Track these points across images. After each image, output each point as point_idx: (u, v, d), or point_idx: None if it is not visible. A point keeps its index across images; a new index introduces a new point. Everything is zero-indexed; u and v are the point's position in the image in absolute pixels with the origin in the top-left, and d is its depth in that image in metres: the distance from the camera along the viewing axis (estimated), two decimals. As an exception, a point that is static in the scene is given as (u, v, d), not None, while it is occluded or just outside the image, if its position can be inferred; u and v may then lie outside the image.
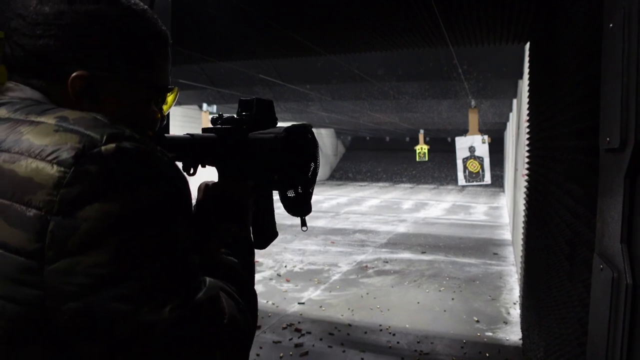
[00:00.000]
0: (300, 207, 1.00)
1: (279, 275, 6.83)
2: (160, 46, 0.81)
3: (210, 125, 1.01)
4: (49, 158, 0.61)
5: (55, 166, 0.60)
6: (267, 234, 1.07)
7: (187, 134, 0.93)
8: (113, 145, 0.62)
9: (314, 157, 1.00)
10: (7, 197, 0.61)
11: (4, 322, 0.61)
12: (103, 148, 0.62)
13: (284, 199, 0.99)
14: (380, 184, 24.66)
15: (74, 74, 0.72)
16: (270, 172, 0.97)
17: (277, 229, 1.11)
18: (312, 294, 6.00)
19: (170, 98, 0.86)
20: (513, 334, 4.63)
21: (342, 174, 27.78)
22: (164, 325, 0.62)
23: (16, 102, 0.72)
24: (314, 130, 1.02)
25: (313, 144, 0.99)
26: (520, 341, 4.26)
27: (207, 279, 0.71)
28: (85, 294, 0.60)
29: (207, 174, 0.91)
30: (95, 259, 0.59)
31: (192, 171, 0.92)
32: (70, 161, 0.60)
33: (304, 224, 1.04)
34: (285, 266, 7.30)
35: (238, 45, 4.53)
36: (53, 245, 0.59)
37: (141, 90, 0.80)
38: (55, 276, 0.60)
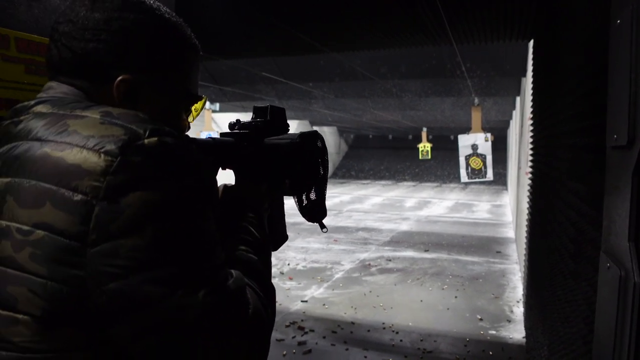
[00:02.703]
0: (316, 212, 1.06)
1: (282, 273, 6.83)
2: (193, 57, 0.88)
3: (228, 129, 1.06)
4: (96, 148, 0.65)
5: (102, 155, 0.65)
6: (278, 237, 1.11)
7: (209, 137, 0.97)
8: (155, 139, 0.67)
9: (324, 163, 1.05)
10: (53, 182, 0.65)
11: (45, 302, 0.64)
12: (146, 141, 0.66)
13: (300, 206, 1.05)
14: (383, 182, 24.65)
15: (120, 77, 0.78)
16: (284, 176, 1.02)
17: None
18: (315, 292, 6.00)
19: (198, 106, 0.93)
20: (516, 333, 4.62)
21: (345, 172, 27.77)
22: (197, 309, 0.65)
23: (57, 99, 0.76)
24: (316, 128, 1.04)
25: (323, 150, 1.05)
26: (524, 340, 4.25)
27: (233, 271, 0.75)
28: (125, 275, 0.63)
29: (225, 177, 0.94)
30: (135, 243, 0.63)
31: None
32: (117, 151, 0.65)
33: (322, 226, 1.10)
34: (288, 264, 7.31)
35: (240, 43, 4.52)
36: (97, 228, 0.63)
37: (175, 96, 0.86)
38: (97, 258, 0.63)
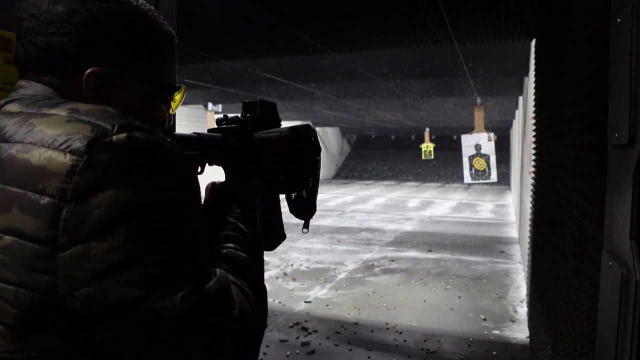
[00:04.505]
0: (305, 208, 1.02)
1: (285, 274, 6.83)
2: (167, 45, 0.84)
3: (216, 126, 1.03)
4: (62, 147, 0.62)
5: (68, 155, 0.62)
6: (275, 235, 1.08)
7: (194, 133, 0.94)
8: (124, 134, 0.64)
9: (316, 161, 1.01)
10: (20, 185, 0.63)
11: (17, 309, 0.62)
12: (114, 137, 0.63)
13: (289, 201, 1.01)
14: (386, 183, 24.63)
15: (89, 70, 0.75)
16: (276, 171, 0.98)
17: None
18: (319, 292, 6.00)
19: (178, 96, 0.89)
20: (520, 332, 4.61)
21: (348, 173, 27.76)
22: (176, 312, 0.62)
23: (27, 97, 0.74)
24: (319, 129, 1.03)
25: (316, 145, 1.00)
26: (528, 339, 4.24)
27: (218, 270, 0.72)
28: (98, 279, 0.61)
29: (213, 175, 0.92)
30: (107, 245, 0.61)
31: (199, 169, 0.93)
32: (83, 150, 0.62)
33: (305, 226, 1.05)
34: (292, 265, 7.31)
35: (242, 44, 4.52)
36: (66, 232, 0.61)
37: (150, 87, 0.82)
38: (68, 262, 0.61)
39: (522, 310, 5.21)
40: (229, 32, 4.08)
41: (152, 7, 0.83)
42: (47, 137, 0.64)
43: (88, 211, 0.61)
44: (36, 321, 0.63)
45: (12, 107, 0.72)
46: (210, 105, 11.31)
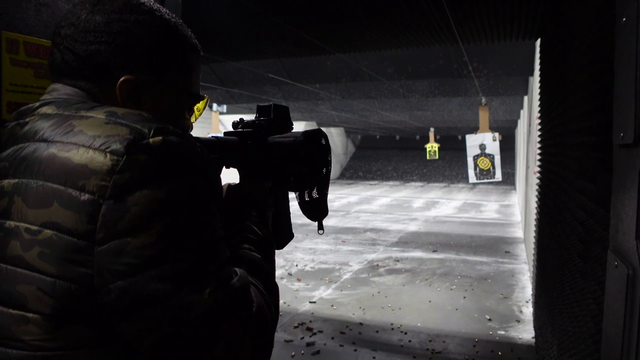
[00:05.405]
0: (317, 210, 1.07)
1: (290, 274, 6.84)
2: (194, 57, 0.89)
3: (226, 128, 1.06)
4: (102, 147, 0.66)
5: (108, 155, 0.66)
6: (283, 235, 1.11)
7: (213, 136, 0.98)
8: (160, 138, 0.68)
9: (328, 162, 1.06)
10: (61, 182, 0.66)
11: (54, 300, 0.65)
12: (151, 140, 0.67)
13: (302, 204, 1.06)
14: (391, 183, 24.61)
15: (123, 78, 0.79)
16: (288, 174, 1.02)
17: None
18: (324, 292, 6.00)
19: (201, 106, 0.95)
20: (526, 333, 4.60)
21: (353, 173, 27.76)
22: (203, 306, 0.66)
23: (62, 100, 0.78)
24: (323, 129, 1.06)
25: (327, 149, 1.06)
26: (533, 340, 4.23)
27: (238, 269, 0.76)
28: (132, 273, 0.64)
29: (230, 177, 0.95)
30: (142, 241, 0.64)
31: None
32: (122, 150, 0.66)
33: (320, 227, 1.09)
34: (296, 265, 7.31)
35: (247, 45, 4.53)
36: (104, 227, 0.64)
37: (177, 96, 0.87)
38: (105, 256, 0.64)
39: (528, 311, 5.20)
40: (232, 33, 4.09)
41: (181, 21, 0.88)
42: (87, 138, 0.68)
43: (126, 208, 0.64)
44: (71, 312, 0.66)
45: (47, 110, 0.76)
46: (215, 105, 11.34)
